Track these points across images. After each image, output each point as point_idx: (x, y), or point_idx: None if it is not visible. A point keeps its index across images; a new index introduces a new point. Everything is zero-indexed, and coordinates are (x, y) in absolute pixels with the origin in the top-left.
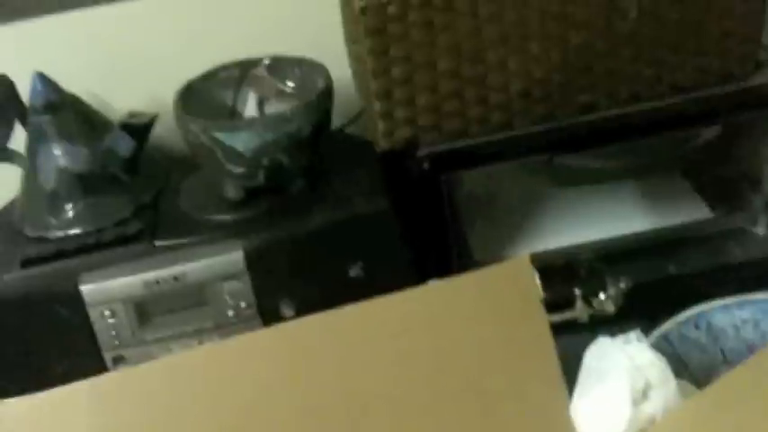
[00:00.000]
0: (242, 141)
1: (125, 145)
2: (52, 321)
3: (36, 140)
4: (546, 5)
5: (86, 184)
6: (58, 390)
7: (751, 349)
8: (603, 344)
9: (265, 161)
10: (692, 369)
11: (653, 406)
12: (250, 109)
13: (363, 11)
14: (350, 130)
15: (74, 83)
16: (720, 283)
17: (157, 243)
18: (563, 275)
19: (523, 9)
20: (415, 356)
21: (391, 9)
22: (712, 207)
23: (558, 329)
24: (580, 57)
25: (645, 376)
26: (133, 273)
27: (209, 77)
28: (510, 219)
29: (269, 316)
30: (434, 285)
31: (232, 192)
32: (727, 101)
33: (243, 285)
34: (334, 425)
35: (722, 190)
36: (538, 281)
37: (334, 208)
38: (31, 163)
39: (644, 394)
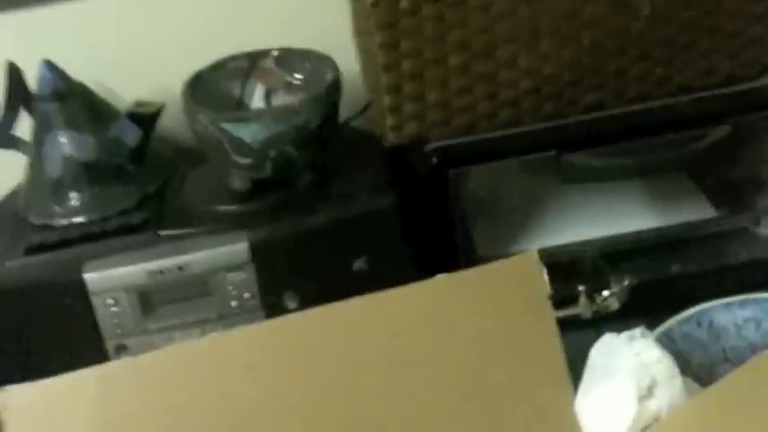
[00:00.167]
0: (250, 133)
1: (132, 134)
2: (55, 309)
3: (42, 128)
4: (558, 3)
5: (92, 173)
6: (63, 377)
7: (752, 348)
8: (609, 340)
9: (273, 153)
10: (694, 367)
11: (658, 403)
12: (257, 100)
13: (375, 4)
14: (354, 123)
15: (81, 72)
16: (723, 282)
17: (162, 233)
18: (567, 272)
19: (536, 6)
20: (420, 351)
21: (403, 3)
22: (717, 207)
23: (560, 326)
24: (591, 55)
25: (651, 373)
26: (137, 262)
27: (218, 68)
28: (514, 215)
29: (272, 307)
30: (440, 280)
31: (238, 183)
32: (734, 102)
33: (247, 276)
34: (337, 418)
35: (727, 190)
36: (545, 276)
37: (340, 202)
38: (36, 151)
39: (649, 391)
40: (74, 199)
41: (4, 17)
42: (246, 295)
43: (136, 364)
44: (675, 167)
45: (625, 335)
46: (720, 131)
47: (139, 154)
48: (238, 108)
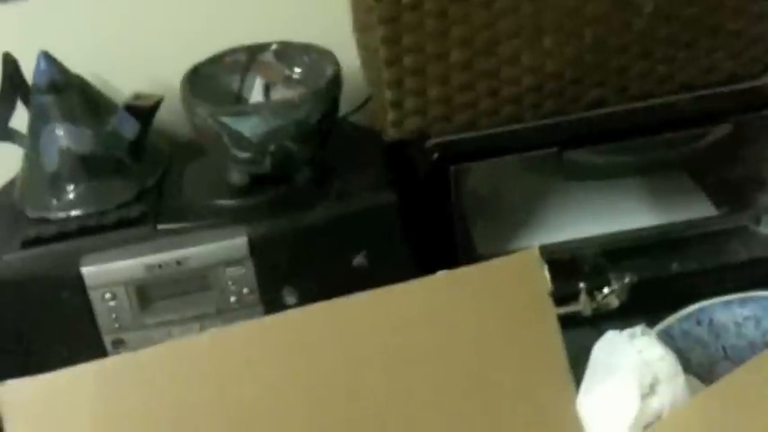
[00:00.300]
0: (249, 127)
1: (130, 127)
2: (52, 303)
3: (39, 120)
4: (561, 0)
5: (89, 166)
6: (62, 372)
7: (752, 346)
8: (612, 338)
9: (272, 147)
10: (693, 365)
11: (660, 401)
12: (256, 94)
13: None
14: (353, 118)
15: (78, 64)
16: (723, 280)
17: (160, 227)
18: (567, 269)
19: (539, 3)
20: (420, 348)
21: None
22: (717, 205)
23: (560, 323)
24: (593, 52)
25: (654, 371)
26: (135, 256)
27: (216, 61)
28: (514, 213)
29: (271, 303)
30: (441, 277)
31: (237, 177)
32: (736, 101)
33: (246, 271)
34: (337, 415)
35: (727, 189)
36: (547, 274)
37: (339, 198)
38: (32, 143)
39: (652, 389)
40: (71, 192)
41: (2, 8)
42: (245, 290)
43: (136, 360)
44: (676, 166)
45: (627, 332)
46: (721, 130)
47: (137, 147)
48: (237, 102)
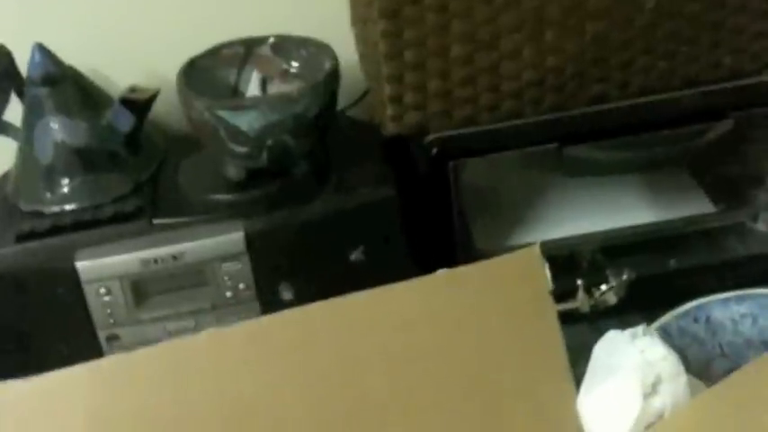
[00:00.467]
0: (246, 121)
1: (125, 120)
2: (46, 297)
3: (33, 113)
4: None
5: (84, 160)
6: (56, 373)
7: (748, 344)
8: (613, 338)
9: (269, 142)
10: (690, 362)
11: (662, 400)
12: (253, 88)
13: None
14: (350, 113)
15: (73, 57)
16: (720, 277)
17: (156, 221)
18: (565, 266)
19: None
20: (420, 347)
21: None
22: (715, 202)
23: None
24: (595, 47)
25: (656, 371)
26: (130, 251)
27: (213, 55)
28: (513, 209)
29: (267, 298)
30: (441, 275)
31: (233, 172)
32: (738, 97)
33: (242, 267)
34: (336, 415)
35: (726, 186)
36: (548, 272)
37: (337, 192)
38: (26, 136)
39: (653, 389)
40: (65, 186)
41: None
42: (241, 286)
43: (130, 360)
44: (676, 162)
45: (629, 332)
46: (722, 127)
47: (133, 141)
48: (234, 95)
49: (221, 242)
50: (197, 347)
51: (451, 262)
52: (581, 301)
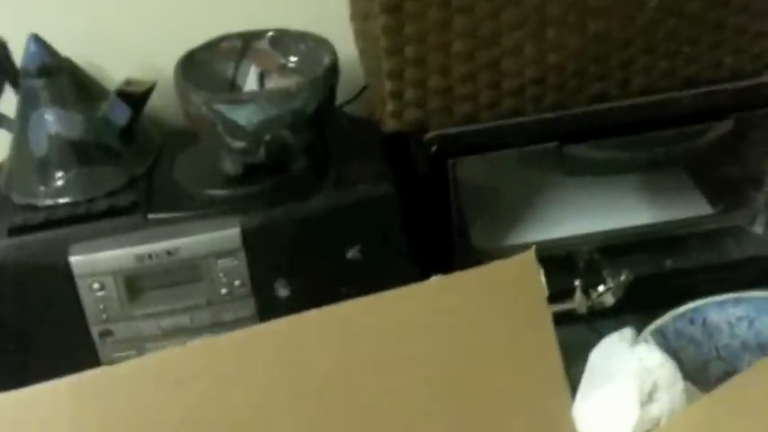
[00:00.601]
0: (244, 115)
1: (121, 113)
2: (38, 292)
3: (28, 105)
4: None
5: (79, 152)
6: (38, 387)
7: (744, 346)
8: (610, 344)
9: (267, 137)
10: (686, 364)
11: (659, 407)
12: (250, 82)
13: None
14: (347, 108)
15: (69, 48)
16: (717, 279)
17: (151, 216)
18: (562, 266)
19: None
20: (415, 354)
21: None
22: (713, 204)
23: (554, 320)
24: (596, 45)
25: (653, 378)
26: (125, 245)
27: (211, 48)
28: (511, 207)
29: (263, 295)
30: (436, 282)
31: (230, 167)
32: (739, 97)
33: (238, 263)
34: (332, 424)
35: (724, 188)
36: (543, 278)
37: (335, 190)
38: (21, 128)
39: (650, 396)
40: (59, 179)
41: None
42: (237, 282)
43: (119, 372)
44: (676, 163)
45: (627, 338)
46: (723, 127)
47: (128, 134)
48: (231, 89)
49: (217, 238)
50: (186, 358)
51: (449, 260)
52: (578, 302)
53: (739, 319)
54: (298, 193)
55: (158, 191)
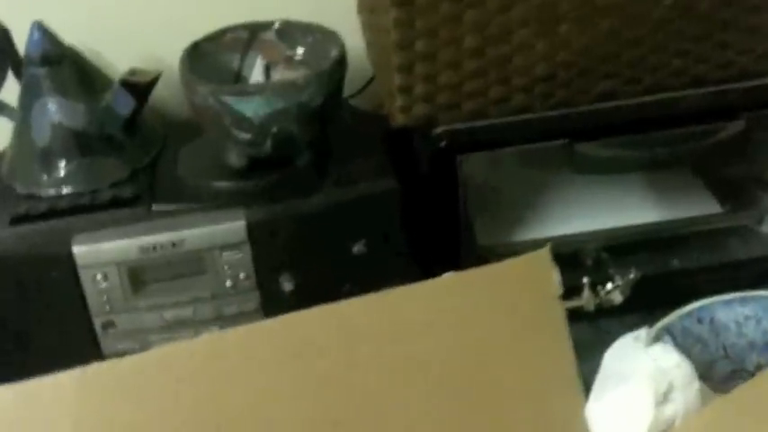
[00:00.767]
0: (252, 107)
1: (125, 104)
2: (40, 282)
3: (30, 93)
4: None
5: (82, 142)
6: (42, 379)
7: (752, 346)
8: (625, 344)
9: (274, 129)
10: (693, 363)
11: (674, 408)
12: (256, 74)
13: None
14: (353, 102)
15: (73, 37)
16: (724, 278)
17: (155, 207)
18: (569, 264)
19: None
20: (425, 352)
21: None
22: (721, 204)
23: None
24: (607, 43)
25: (669, 378)
26: (129, 237)
27: (217, 39)
28: (516, 205)
29: (268, 288)
30: (447, 279)
31: (235, 159)
32: (749, 97)
33: (243, 256)
34: (338, 422)
35: (732, 188)
36: (557, 276)
37: (341, 184)
38: (23, 116)
39: (665, 396)
40: (62, 169)
41: None
42: (242, 275)
43: (123, 366)
44: (685, 162)
45: (642, 339)
46: (734, 127)
47: (132, 125)
48: (236, 81)
49: (222, 230)
50: (190, 354)
51: (454, 258)
52: (586, 300)
53: (747, 318)
54: (303, 186)
55: (162, 182)
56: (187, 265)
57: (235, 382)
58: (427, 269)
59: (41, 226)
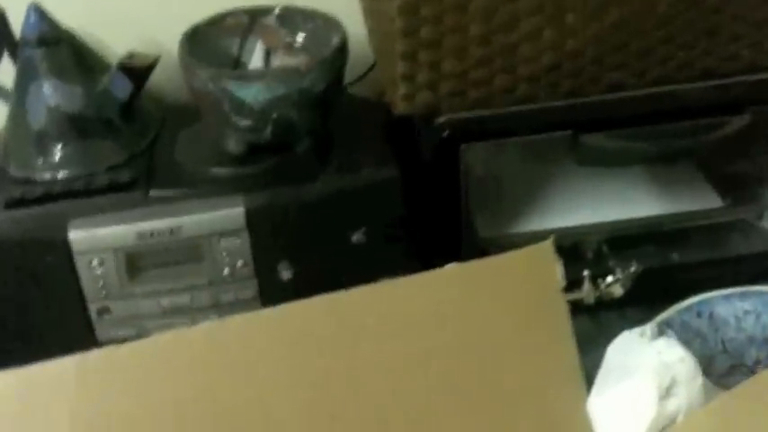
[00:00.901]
0: (252, 93)
1: (123, 87)
2: (35, 267)
3: (26, 76)
4: None
5: (78, 126)
6: (41, 365)
7: (751, 341)
8: (628, 338)
9: (274, 115)
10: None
11: (677, 403)
12: (256, 60)
13: None
14: (353, 89)
15: (70, 19)
16: (723, 274)
17: (152, 193)
18: (569, 256)
19: None
20: (426, 345)
21: None
22: (722, 198)
23: None
24: (615, 33)
25: (672, 373)
26: (126, 222)
27: (216, 23)
28: (517, 197)
29: (266, 276)
30: (449, 270)
31: (233, 145)
32: (755, 90)
33: (241, 243)
34: (338, 416)
35: (733, 182)
36: (560, 269)
37: (341, 171)
38: (19, 99)
39: (668, 391)
40: (58, 152)
41: None
42: (239, 263)
43: (123, 353)
44: (690, 156)
45: (646, 333)
46: (739, 121)
47: (129, 109)
48: (236, 66)
49: (220, 217)
50: (189, 342)
51: (455, 249)
52: (586, 293)
53: (746, 312)
54: (303, 173)
55: (160, 167)
56: (184, 252)
57: (233, 371)
58: (427, 260)
59: (37, 210)
